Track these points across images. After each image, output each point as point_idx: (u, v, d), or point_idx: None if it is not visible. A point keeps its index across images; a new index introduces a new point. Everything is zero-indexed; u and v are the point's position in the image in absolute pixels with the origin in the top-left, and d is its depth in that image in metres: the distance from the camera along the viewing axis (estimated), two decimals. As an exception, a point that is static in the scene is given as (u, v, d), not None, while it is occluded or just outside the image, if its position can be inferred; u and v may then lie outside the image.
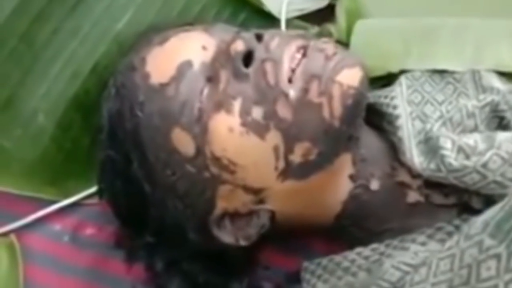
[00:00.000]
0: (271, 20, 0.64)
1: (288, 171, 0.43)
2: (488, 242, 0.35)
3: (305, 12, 0.68)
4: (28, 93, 0.52)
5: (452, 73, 0.51)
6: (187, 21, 0.51)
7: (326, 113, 0.42)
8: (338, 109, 0.42)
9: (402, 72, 0.52)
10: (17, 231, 0.55)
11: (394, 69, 0.53)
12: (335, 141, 0.43)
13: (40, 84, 0.53)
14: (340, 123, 0.42)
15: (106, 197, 0.51)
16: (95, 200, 0.56)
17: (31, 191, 0.55)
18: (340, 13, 0.66)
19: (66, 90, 0.54)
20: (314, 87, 0.42)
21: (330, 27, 0.67)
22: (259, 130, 0.42)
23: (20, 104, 0.52)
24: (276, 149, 0.42)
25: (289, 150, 0.42)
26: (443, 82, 0.50)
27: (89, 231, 0.56)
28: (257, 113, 0.42)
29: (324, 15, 0.68)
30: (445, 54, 0.52)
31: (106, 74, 0.52)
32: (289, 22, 0.65)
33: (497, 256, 0.34)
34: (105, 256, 0.54)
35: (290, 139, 0.42)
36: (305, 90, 0.42)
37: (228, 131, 0.42)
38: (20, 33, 0.50)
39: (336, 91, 0.42)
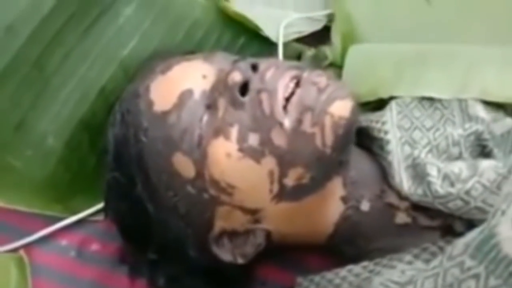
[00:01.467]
0: (269, 44, 0.66)
1: (282, 194, 0.46)
2: (468, 262, 0.37)
3: (302, 35, 0.69)
4: (39, 116, 0.55)
5: (440, 100, 0.53)
6: (189, 49, 0.54)
7: (318, 141, 0.44)
8: (330, 138, 0.44)
9: (392, 97, 0.54)
10: (26, 246, 0.57)
11: (385, 95, 0.55)
12: (326, 166, 0.46)
13: (50, 108, 0.55)
14: (331, 150, 0.45)
15: (111, 216, 0.54)
16: (100, 217, 0.58)
17: (40, 208, 0.57)
18: (335, 35, 0.68)
19: (74, 113, 0.56)
20: (307, 118, 0.44)
21: (326, 49, 0.69)
22: (255, 155, 0.45)
23: (31, 127, 0.55)
24: (271, 173, 0.45)
25: (283, 174, 0.45)
26: (431, 108, 0.53)
27: (94, 247, 0.58)
28: (253, 139, 0.45)
29: (320, 37, 0.70)
30: (433, 81, 0.54)
31: (112, 97, 0.54)
32: (286, 45, 0.67)
33: (477, 276, 0.37)
34: (110, 271, 0.56)
35: (284, 164, 0.45)
36: (299, 121, 0.44)
37: (226, 156, 0.45)
38: (33, 59, 0.53)
39: (328, 122, 0.44)
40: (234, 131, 0.45)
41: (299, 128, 0.44)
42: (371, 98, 0.56)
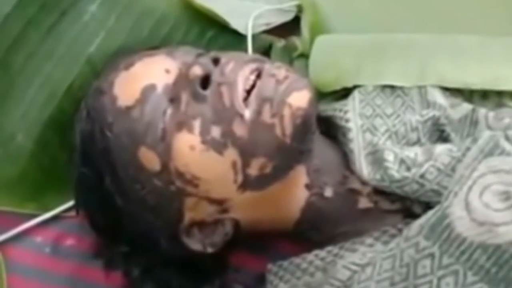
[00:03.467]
0: (238, 36, 0.65)
1: (246, 184, 0.47)
2: (423, 243, 0.39)
3: (271, 26, 0.69)
4: (6, 116, 0.55)
5: (401, 87, 0.54)
6: (154, 45, 0.55)
7: (278, 131, 0.46)
8: (288, 128, 0.46)
9: (356, 86, 0.56)
10: (1, 244, 0.57)
11: (348, 84, 0.56)
12: (288, 156, 0.47)
13: (17, 107, 0.55)
14: (291, 140, 0.46)
15: (82, 211, 0.54)
16: (74, 212, 0.58)
17: (13, 206, 0.58)
18: (305, 26, 0.69)
19: (43, 111, 0.56)
20: (266, 109, 0.45)
21: (296, 40, 0.69)
22: (218, 147, 0.46)
23: (-1, 126, 0.55)
24: (234, 164, 0.46)
25: (246, 164, 0.46)
26: (392, 96, 0.54)
27: (69, 242, 0.58)
28: (215, 132, 0.46)
29: (289, 29, 0.70)
30: (392, 70, 0.55)
31: (80, 94, 0.55)
32: (255, 37, 0.67)
33: (432, 255, 0.38)
34: (85, 265, 0.57)
35: (246, 155, 0.46)
36: (259, 112, 0.45)
37: (189, 149, 0.46)
38: (-4, 60, 0.53)
39: (286, 112, 0.45)
40: (196, 124, 0.46)
41: (258, 119, 0.45)
42: (336, 87, 0.58)
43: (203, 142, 0.46)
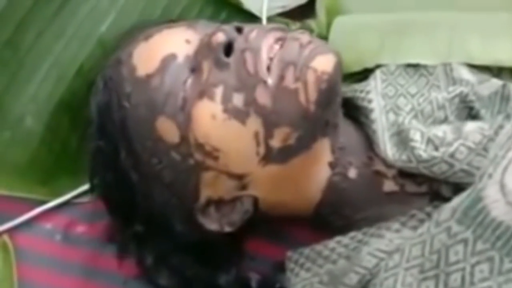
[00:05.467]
0: (252, 19, 0.64)
1: (269, 156, 0.45)
2: (456, 228, 0.37)
3: (286, 9, 0.68)
4: (15, 97, 0.54)
5: (425, 66, 0.52)
6: (170, 20, 0.53)
7: (302, 98, 0.44)
8: (313, 94, 0.44)
9: (378, 66, 0.54)
10: (10, 231, 0.56)
11: (370, 64, 0.54)
12: (312, 125, 0.45)
13: (26, 88, 0.54)
14: (315, 107, 0.44)
15: (96, 189, 0.53)
16: (85, 198, 0.57)
17: (23, 191, 0.57)
18: (320, 8, 0.67)
19: (53, 93, 0.55)
20: (289, 74, 0.44)
21: (311, 23, 0.68)
22: (240, 116, 0.44)
23: (8, 107, 0.54)
24: (256, 134, 0.44)
25: (269, 135, 0.44)
26: (416, 75, 0.52)
27: (80, 229, 0.57)
28: (237, 99, 0.44)
29: (305, 11, 0.69)
30: (417, 48, 0.53)
31: (91, 75, 0.53)
32: (270, 19, 0.66)
33: (465, 241, 0.36)
34: (97, 252, 0.55)
35: (269, 124, 0.44)
36: (282, 77, 0.44)
37: (210, 118, 0.44)
38: (5, 39, 0.52)
39: (310, 77, 0.43)
40: (218, 92, 0.44)
41: (281, 84, 0.44)
42: (357, 68, 0.56)
43: (225, 110, 0.44)
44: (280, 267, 0.51)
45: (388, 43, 0.55)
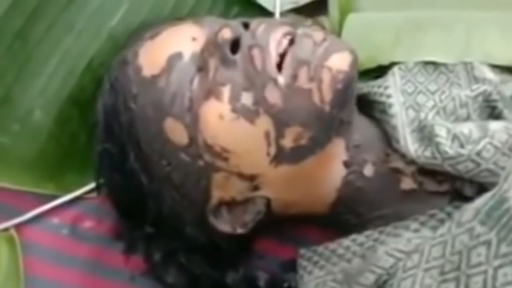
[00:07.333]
0: (264, 14, 0.63)
1: (280, 156, 0.44)
2: (478, 229, 0.36)
3: (299, 4, 0.67)
4: (24, 90, 0.53)
5: (444, 64, 0.51)
6: (178, 17, 0.52)
7: (316, 98, 0.42)
8: (328, 94, 0.42)
9: (393, 64, 0.53)
10: (17, 225, 0.55)
11: (384, 61, 0.53)
12: (326, 125, 0.44)
13: (35, 81, 0.53)
14: (330, 107, 0.43)
15: (104, 190, 0.52)
16: (93, 194, 0.56)
17: (30, 186, 0.56)
18: (333, 5, 0.67)
19: (62, 87, 0.54)
20: (303, 73, 0.42)
21: (323, 19, 0.67)
22: (249, 115, 0.42)
23: (16, 101, 0.53)
24: (267, 134, 0.43)
25: (280, 135, 0.43)
26: (435, 73, 0.51)
27: (87, 224, 0.56)
28: (246, 98, 0.42)
29: (317, 8, 0.69)
30: (434, 46, 0.52)
31: (101, 70, 0.52)
32: (282, 15, 0.65)
33: (488, 243, 0.35)
34: (104, 248, 0.55)
35: (280, 124, 0.43)
36: (294, 77, 0.42)
37: (218, 118, 0.43)
38: (15, 30, 0.51)
39: (325, 76, 0.42)
40: (226, 91, 0.43)
41: (294, 84, 0.42)
42: (371, 65, 0.55)
43: (233, 110, 0.43)
44: (288, 266, 0.50)
45: (403, 40, 0.54)
